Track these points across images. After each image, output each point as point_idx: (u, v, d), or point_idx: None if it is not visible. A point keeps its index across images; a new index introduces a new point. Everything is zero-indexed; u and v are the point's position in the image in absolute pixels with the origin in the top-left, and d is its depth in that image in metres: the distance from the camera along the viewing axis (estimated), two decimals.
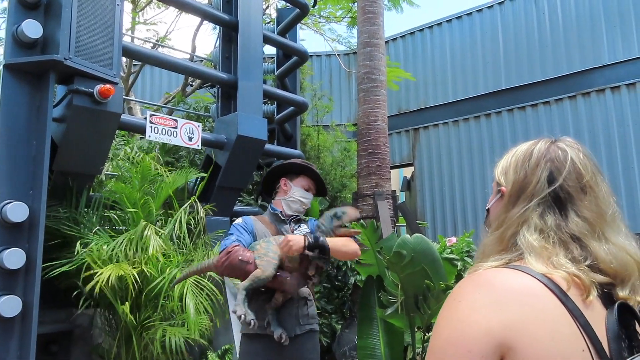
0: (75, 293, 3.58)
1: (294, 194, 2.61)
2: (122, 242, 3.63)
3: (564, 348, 0.77)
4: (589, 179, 0.91)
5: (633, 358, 0.79)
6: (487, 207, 1.09)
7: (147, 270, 3.50)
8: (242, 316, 2.22)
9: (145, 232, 3.67)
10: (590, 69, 7.90)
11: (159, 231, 3.82)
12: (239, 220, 2.58)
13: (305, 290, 2.52)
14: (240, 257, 2.29)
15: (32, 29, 3.24)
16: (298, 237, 2.30)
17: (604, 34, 7.84)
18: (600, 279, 0.84)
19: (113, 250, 3.61)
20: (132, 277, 3.37)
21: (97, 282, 3.31)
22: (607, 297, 0.85)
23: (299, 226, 2.61)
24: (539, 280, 0.82)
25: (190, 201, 4.25)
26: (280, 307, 2.42)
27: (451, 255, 4.12)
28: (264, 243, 2.38)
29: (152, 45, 8.24)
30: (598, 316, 0.83)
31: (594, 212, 0.89)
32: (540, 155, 0.95)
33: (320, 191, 2.76)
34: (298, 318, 2.46)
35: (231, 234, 2.49)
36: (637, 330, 0.85)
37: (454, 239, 4.72)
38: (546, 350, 0.77)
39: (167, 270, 3.65)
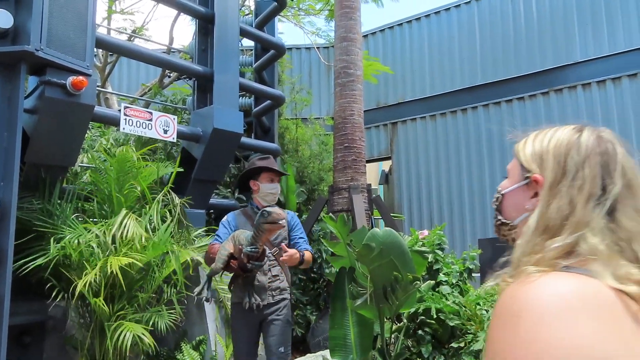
0: (48, 285, 3.58)
1: (263, 190, 3.23)
2: (101, 232, 3.64)
3: None
4: (635, 177, 0.82)
5: None
6: (501, 192, 0.97)
7: (131, 261, 3.50)
8: (203, 296, 3.03)
9: (126, 220, 3.68)
10: (563, 66, 8.09)
11: (139, 220, 3.83)
12: (224, 218, 3.27)
13: (277, 269, 3.15)
14: (210, 254, 3.03)
15: (2, 18, 3.21)
16: (297, 255, 2.99)
17: (576, 31, 8.03)
18: None
19: (91, 241, 3.62)
20: (122, 267, 3.41)
21: (86, 281, 3.34)
22: None
23: None
24: (611, 287, 0.71)
25: (163, 191, 4.26)
26: (253, 283, 3.05)
27: (422, 248, 4.22)
28: (227, 241, 2.95)
29: (128, 36, 8.15)
30: None
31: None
32: (591, 147, 0.84)
33: (282, 174, 3.43)
34: (270, 290, 3.10)
35: (217, 233, 3.20)
36: None
37: (425, 232, 4.82)
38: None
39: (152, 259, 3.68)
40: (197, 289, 3.05)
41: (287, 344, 3.12)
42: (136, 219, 3.79)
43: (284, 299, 3.16)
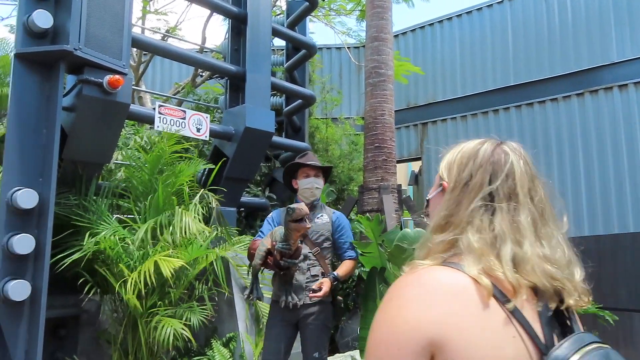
0: (81, 280, 3.65)
1: (301, 187, 3.20)
2: (147, 228, 3.71)
3: (495, 337, 0.79)
4: (526, 184, 0.93)
5: (566, 340, 0.82)
6: (427, 198, 1.10)
7: (175, 263, 3.55)
8: (253, 297, 3.07)
9: (182, 217, 3.78)
10: (599, 67, 7.85)
11: (195, 216, 3.90)
12: (270, 214, 3.31)
13: (317, 269, 3.09)
14: (251, 250, 3.05)
15: (42, 19, 3.29)
16: (327, 288, 2.91)
17: (612, 31, 7.78)
18: (526, 283, 0.85)
19: (124, 239, 3.68)
20: (167, 270, 3.45)
21: (132, 279, 3.40)
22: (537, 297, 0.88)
23: (321, 215, 3.21)
24: (471, 277, 0.83)
25: (200, 192, 4.30)
26: (291, 282, 3.00)
27: None
28: (267, 236, 2.95)
29: (161, 36, 8.28)
30: (529, 309, 0.85)
31: (528, 218, 0.90)
32: (486, 156, 0.96)
33: (324, 170, 3.33)
34: (307, 290, 3.01)
35: (261, 229, 3.23)
36: (568, 318, 0.89)
37: None
38: (475, 340, 0.78)
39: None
40: (246, 292, 3.08)
41: (323, 349, 3.05)
42: (195, 216, 3.87)
43: (322, 302, 3.06)
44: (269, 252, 2.87)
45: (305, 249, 3.02)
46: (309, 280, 3.05)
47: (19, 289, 3.10)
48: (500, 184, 0.92)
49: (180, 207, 3.92)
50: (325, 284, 2.91)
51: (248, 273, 3.57)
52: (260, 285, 3.17)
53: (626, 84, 7.53)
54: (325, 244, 3.16)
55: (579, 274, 0.92)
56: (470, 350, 0.77)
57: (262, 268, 3.00)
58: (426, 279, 0.85)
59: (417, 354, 0.78)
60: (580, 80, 8.00)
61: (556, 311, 0.87)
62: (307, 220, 2.56)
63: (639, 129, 7.35)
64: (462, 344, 0.78)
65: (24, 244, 3.15)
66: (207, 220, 4.46)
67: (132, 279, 3.40)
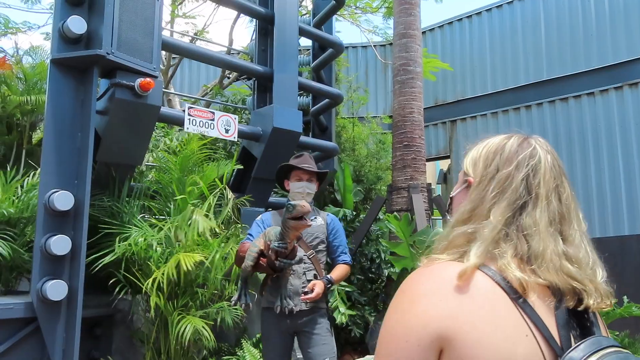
0: (113, 280, 3.72)
1: (293, 189, 3.07)
2: (167, 229, 3.76)
3: (506, 334, 0.78)
4: (552, 180, 0.92)
5: (582, 342, 0.79)
6: (450, 196, 1.09)
7: (196, 257, 3.59)
8: (242, 303, 2.77)
9: (194, 216, 3.78)
10: (638, 58, 7.56)
11: (207, 214, 3.93)
12: (259, 217, 3.13)
13: (313, 274, 2.94)
14: (240, 254, 2.80)
15: (77, 24, 3.36)
16: (319, 289, 2.78)
17: None
18: (540, 280, 0.84)
19: (154, 238, 3.74)
20: (187, 266, 3.48)
21: (154, 277, 3.45)
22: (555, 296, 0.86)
23: (315, 218, 3.03)
24: (485, 273, 0.83)
25: (220, 189, 4.32)
26: (286, 286, 2.83)
27: None
28: (259, 237, 2.77)
29: (190, 38, 8.38)
30: (545, 309, 0.83)
31: (546, 214, 0.89)
32: (513, 151, 0.95)
33: (319, 174, 3.18)
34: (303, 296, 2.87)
35: (249, 232, 3.06)
36: (588, 320, 0.86)
37: None
38: (487, 336, 0.77)
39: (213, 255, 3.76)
40: (234, 298, 2.83)
41: (332, 353, 2.92)
42: (206, 214, 3.89)
43: (318, 307, 2.94)
44: (261, 254, 2.71)
45: (300, 252, 2.83)
46: (304, 284, 2.90)
47: (56, 289, 3.18)
48: (525, 178, 0.91)
49: (194, 207, 3.92)
50: (318, 286, 2.79)
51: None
52: (250, 291, 2.95)
53: None
54: (320, 247, 3.04)
55: (601, 274, 0.89)
56: (480, 346, 0.77)
57: (252, 271, 2.79)
58: (439, 274, 0.85)
59: (426, 347, 0.79)
60: (618, 73, 7.71)
61: (576, 312, 0.85)
62: (306, 218, 2.43)
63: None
64: (472, 340, 0.77)
65: (60, 244, 3.22)
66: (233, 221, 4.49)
67: (157, 277, 3.44)
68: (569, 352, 0.78)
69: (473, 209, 0.92)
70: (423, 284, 0.85)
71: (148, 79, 3.64)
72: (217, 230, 3.82)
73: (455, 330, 0.78)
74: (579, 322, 0.85)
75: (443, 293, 0.81)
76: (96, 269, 3.55)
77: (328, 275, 2.93)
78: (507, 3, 9.17)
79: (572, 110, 8.17)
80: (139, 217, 3.99)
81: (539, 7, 8.75)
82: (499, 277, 0.83)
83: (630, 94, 7.59)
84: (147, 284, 3.50)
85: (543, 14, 8.70)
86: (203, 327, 3.55)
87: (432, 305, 0.80)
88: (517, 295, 0.81)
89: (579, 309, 0.85)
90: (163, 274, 3.45)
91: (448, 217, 1.07)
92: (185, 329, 3.48)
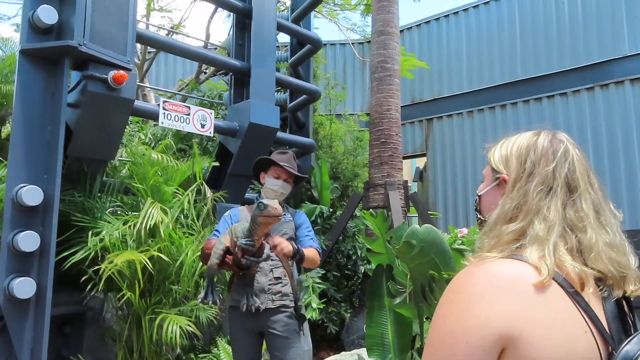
0: (85, 277, 3.63)
1: (268, 185, 2.99)
2: (132, 226, 3.68)
3: (567, 331, 0.79)
4: (585, 172, 0.95)
5: (636, 334, 0.81)
6: (478, 194, 1.11)
7: (157, 255, 3.52)
8: (208, 300, 2.69)
9: (151, 210, 3.68)
10: (610, 60, 7.74)
11: (164, 208, 3.84)
12: (227, 212, 3.01)
13: (280, 271, 2.89)
14: (206, 250, 2.75)
15: (47, 14, 3.25)
16: (287, 244, 2.66)
17: (624, 24, 7.67)
18: (593, 272, 0.86)
19: (124, 236, 3.66)
20: (141, 263, 3.41)
21: (106, 269, 3.36)
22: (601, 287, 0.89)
23: (284, 215, 2.92)
24: (533, 266, 0.84)
25: (196, 184, 4.27)
26: (252, 284, 2.77)
27: (462, 247, 4.10)
28: (225, 234, 2.69)
29: (166, 32, 8.25)
30: (595, 302, 0.85)
31: (590, 206, 0.92)
32: (547, 147, 0.97)
33: (296, 178, 3.07)
34: (270, 294, 2.82)
35: (216, 227, 2.94)
36: (628, 313, 0.88)
37: (465, 230, 4.69)
38: (549, 334, 0.77)
39: (183, 253, 3.69)
40: (200, 295, 2.76)
41: (300, 356, 2.83)
42: (162, 208, 3.79)
43: (285, 307, 2.86)
44: (227, 251, 2.63)
45: (267, 249, 2.73)
46: (271, 282, 2.84)
47: (24, 287, 3.08)
48: (564, 172, 0.94)
49: (152, 201, 3.83)
50: (286, 243, 2.66)
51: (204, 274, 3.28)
52: (217, 289, 2.89)
53: (638, 78, 7.42)
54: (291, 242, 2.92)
55: (633, 261, 0.92)
56: (543, 344, 0.77)
57: (218, 269, 2.71)
58: (494, 273, 0.84)
59: (487, 348, 0.78)
60: (590, 74, 7.89)
61: (617, 302, 0.87)
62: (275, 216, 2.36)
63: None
64: (536, 338, 0.77)
65: (29, 241, 3.12)
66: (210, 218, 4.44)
67: (107, 269, 3.35)
68: (624, 345, 0.80)
69: (518, 206, 0.93)
70: (479, 284, 0.84)
71: (122, 72, 3.56)
72: (170, 224, 3.74)
73: (518, 330, 0.77)
74: (620, 312, 0.88)
75: (501, 292, 0.81)
76: (67, 266, 3.46)
77: (299, 247, 2.80)
78: (483, 3, 9.29)
79: (546, 110, 8.33)
80: (107, 212, 3.89)
81: (514, 8, 8.89)
82: (545, 268, 0.83)
83: (602, 95, 7.77)
84: (121, 281, 3.43)
85: (518, 15, 8.83)
86: (188, 324, 3.49)
87: (492, 305, 0.80)
88: (572, 290, 0.82)
89: (627, 295, 0.88)
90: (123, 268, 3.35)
91: (478, 216, 1.11)
92: (167, 328, 3.41)
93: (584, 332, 0.80)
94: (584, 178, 0.94)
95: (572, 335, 0.79)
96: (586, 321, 0.81)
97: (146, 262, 3.41)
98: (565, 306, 0.81)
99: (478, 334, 0.79)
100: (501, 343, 0.78)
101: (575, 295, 0.82)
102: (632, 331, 0.85)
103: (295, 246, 2.75)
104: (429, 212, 6.63)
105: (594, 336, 0.80)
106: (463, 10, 9.57)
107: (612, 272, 0.86)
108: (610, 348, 0.81)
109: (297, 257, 2.76)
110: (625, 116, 7.49)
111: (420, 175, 10.54)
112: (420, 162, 10.90)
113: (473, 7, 9.45)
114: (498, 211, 0.96)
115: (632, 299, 0.91)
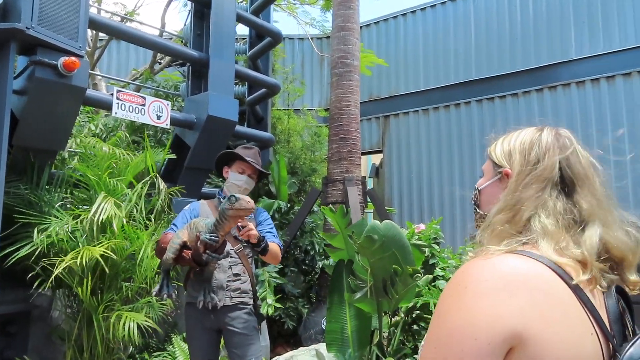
0: (31, 274, 3.44)
1: (231, 179, 2.95)
2: (82, 221, 3.51)
3: (575, 332, 0.78)
4: (589, 167, 0.97)
5: (638, 338, 0.82)
6: (478, 188, 1.11)
7: (108, 252, 3.37)
8: (163, 294, 2.64)
9: (103, 204, 3.54)
10: (557, 63, 8.07)
11: (118, 202, 3.69)
12: (186, 206, 2.94)
13: (239, 268, 2.84)
14: (162, 244, 2.69)
15: None
16: (254, 229, 2.62)
17: (572, 29, 8.01)
18: (600, 266, 0.86)
19: (73, 232, 3.49)
20: (94, 259, 3.26)
21: (57, 266, 3.19)
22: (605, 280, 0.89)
23: None
24: (547, 266, 0.82)
25: (150, 177, 4.13)
26: (211, 281, 2.72)
27: (419, 242, 4.17)
28: (182, 229, 2.63)
29: (120, 19, 7.95)
30: (599, 300, 0.86)
31: (595, 199, 0.92)
32: (551, 142, 0.98)
33: (260, 174, 3.08)
34: (228, 291, 2.78)
35: (173, 222, 2.87)
36: (627, 312, 0.89)
37: (422, 226, 4.77)
38: (558, 334, 0.77)
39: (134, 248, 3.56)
40: (155, 289, 2.69)
41: (258, 352, 2.81)
42: (115, 202, 3.64)
43: (244, 303, 2.83)
44: (184, 246, 2.57)
45: (227, 246, 2.74)
46: (230, 279, 2.80)
47: None
48: (569, 167, 0.94)
49: (105, 195, 3.68)
50: (253, 229, 2.61)
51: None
52: (172, 284, 2.81)
53: (583, 81, 7.77)
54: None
55: (638, 255, 0.94)
56: (554, 344, 0.76)
57: (174, 264, 2.65)
58: (503, 268, 0.82)
59: (496, 346, 0.76)
60: (539, 76, 8.21)
61: (616, 301, 0.88)
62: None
63: (594, 125, 7.61)
64: (547, 337, 0.76)
65: None
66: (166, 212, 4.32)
67: (62, 269, 3.20)
68: (628, 348, 0.80)
69: (520, 199, 0.93)
70: (487, 279, 0.81)
71: (73, 58, 3.39)
72: (124, 219, 3.60)
73: (528, 328, 0.76)
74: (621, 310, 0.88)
75: (511, 288, 0.79)
76: (10, 262, 3.27)
77: (264, 237, 2.76)
78: (440, 3, 9.47)
79: (498, 110, 8.60)
80: (56, 206, 3.70)
81: (470, 11, 9.11)
82: (560, 270, 0.82)
83: (550, 96, 8.10)
84: (72, 278, 3.27)
85: (473, 16, 9.06)
86: (146, 321, 3.37)
87: (502, 302, 0.77)
88: (579, 289, 0.81)
89: (624, 293, 0.88)
90: (76, 263, 3.20)
91: (476, 209, 1.11)
92: (124, 325, 3.28)
93: (590, 334, 0.79)
94: (590, 173, 0.95)
95: (581, 337, 0.78)
96: (592, 322, 0.80)
97: (108, 254, 3.28)
98: (574, 306, 0.80)
99: (487, 330, 0.76)
100: (510, 341, 0.76)
101: (583, 297, 0.81)
102: (629, 331, 0.86)
103: (260, 235, 2.70)
104: (385, 208, 6.71)
105: (599, 337, 0.80)
106: (421, 9, 9.72)
107: (616, 260, 0.87)
108: (612, 349, 0.81)
109: (262, 245, 2.71)
110: (571, 117, 7.83)
111: (376, 172, 10.66)
112: (376, 159, 11.02)
113: (430, 6, 9.61)
114: (500, 205, 0.96)
115: (629, 297, 0.91)
